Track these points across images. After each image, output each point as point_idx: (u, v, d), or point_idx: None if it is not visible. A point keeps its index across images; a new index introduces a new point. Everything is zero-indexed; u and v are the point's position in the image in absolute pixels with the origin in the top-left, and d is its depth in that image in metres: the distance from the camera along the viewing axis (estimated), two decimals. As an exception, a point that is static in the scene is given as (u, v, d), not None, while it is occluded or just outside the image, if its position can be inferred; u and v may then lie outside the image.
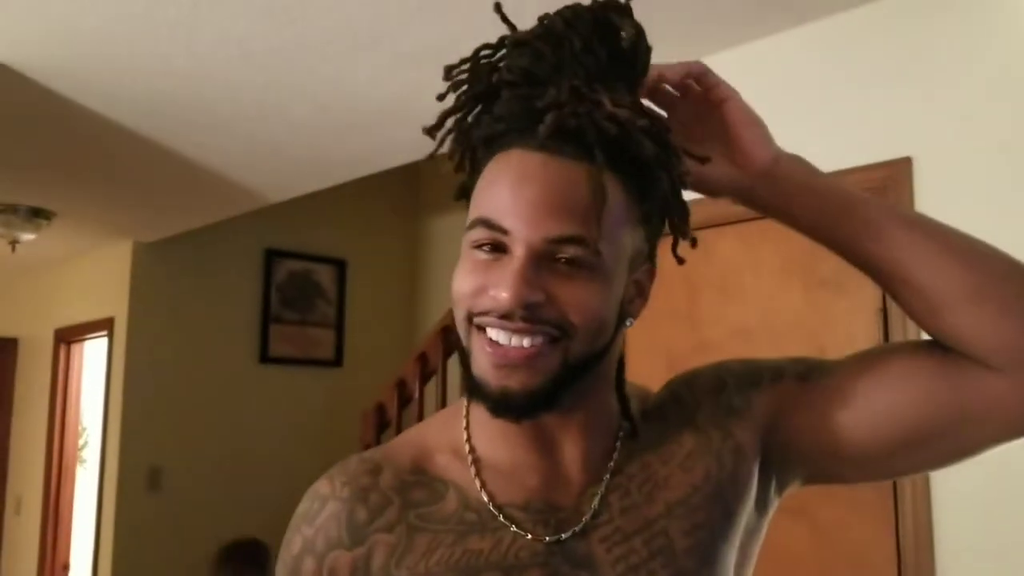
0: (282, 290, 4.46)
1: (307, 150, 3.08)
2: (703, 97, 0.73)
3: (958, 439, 0.70)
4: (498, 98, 0.68)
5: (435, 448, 0.74)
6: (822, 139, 1.99)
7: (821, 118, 2.07)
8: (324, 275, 4.61)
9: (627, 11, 0.69)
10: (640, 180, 0.67)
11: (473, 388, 0.67)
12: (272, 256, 4.42)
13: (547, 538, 0.68)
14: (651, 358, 2.24)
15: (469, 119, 0.70)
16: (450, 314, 2.58)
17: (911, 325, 1.93)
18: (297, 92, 2.61)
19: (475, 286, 0.66)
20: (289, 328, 4.47)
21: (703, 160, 0.69)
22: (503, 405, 0.65)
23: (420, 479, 0.72)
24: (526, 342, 0.64)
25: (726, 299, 2.22)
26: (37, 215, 3.82)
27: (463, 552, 0.68)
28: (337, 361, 4.61)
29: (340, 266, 4.64)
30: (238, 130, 2.92)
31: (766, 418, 0.74)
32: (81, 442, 5.19)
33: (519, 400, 0.65)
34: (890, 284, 0.71)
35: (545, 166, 0.64)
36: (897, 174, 1.94)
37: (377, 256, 4.74)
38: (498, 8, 0.71)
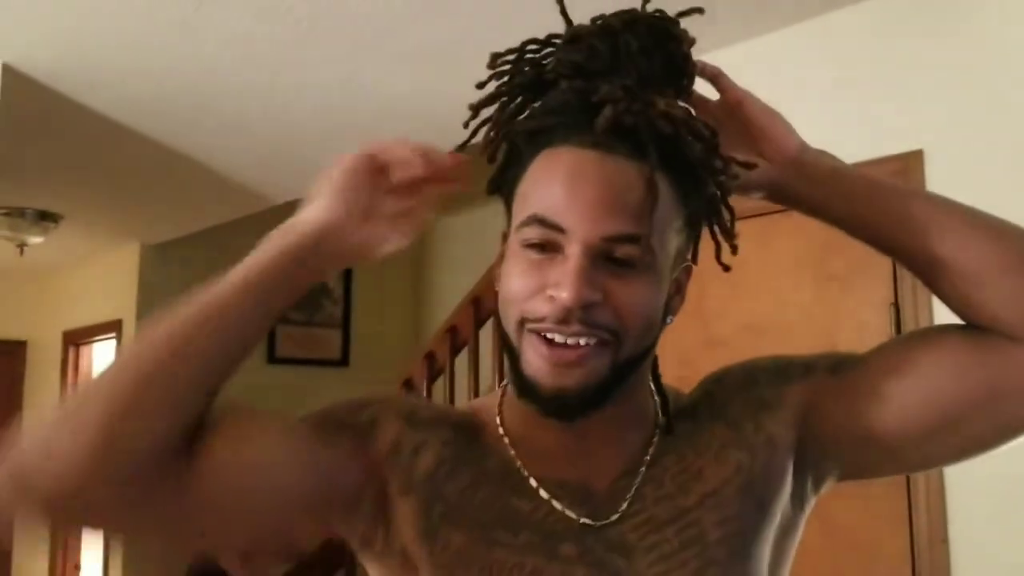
0: (289, 290, 4.46)
1: (312, 151, 3.08)
2: (720, 101, 0.73)
3: (992, 419, 0.69)
4: (545, 91, 0.68)
5: (477, 424, 0.75)
6: (834, 132, 1.97)
7: (833, 111, 2.05)
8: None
9: (678, 22, 0.69)
10: (687, 181, 0.67)
11: (524, 388, 0.67)
12: (278, 257, 4.42)
13: (582, 519, 0.68)
14: (661, 353, 2.22)
15: (511, 108, 0.70)
16: (457, 312, 2.58)
17: (923, 320, 1.92)
18: (302, 92, 2.61)
19: (530, 287, 0.65)
20: (296, 328, 4.48)
21: (750, 166, 0.69)
22: (556, 405, 0.66)
23: (467, 435, 0.73)
24: (583, 340, 0.64)
25: (736, 294, 2.21)
26: (44, 218, 3.83)
27: (505, 504, 0.69)
28: (343, 361, 4.61)
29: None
30: (244, 131, 2.92)
31: (799, 412, 0.74)
32: (90, 444, 5.20)
33: (572, 400, 0.65)
34: (919, 266, 0.71)
35: (600, 164, 0.64)
36: (909, 167, 1.92)
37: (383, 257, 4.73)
38: (560, 1, 0.71)
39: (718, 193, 0.68)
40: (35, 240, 3.90)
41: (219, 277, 0.65)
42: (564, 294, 0.62)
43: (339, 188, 0.67)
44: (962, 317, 0.70)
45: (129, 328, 4.26)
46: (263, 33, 2.22)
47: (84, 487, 0.58)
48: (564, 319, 0.63)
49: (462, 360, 3.28)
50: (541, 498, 0.69)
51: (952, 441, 0.71)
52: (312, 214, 0.68)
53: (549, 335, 0.64)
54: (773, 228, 2.06)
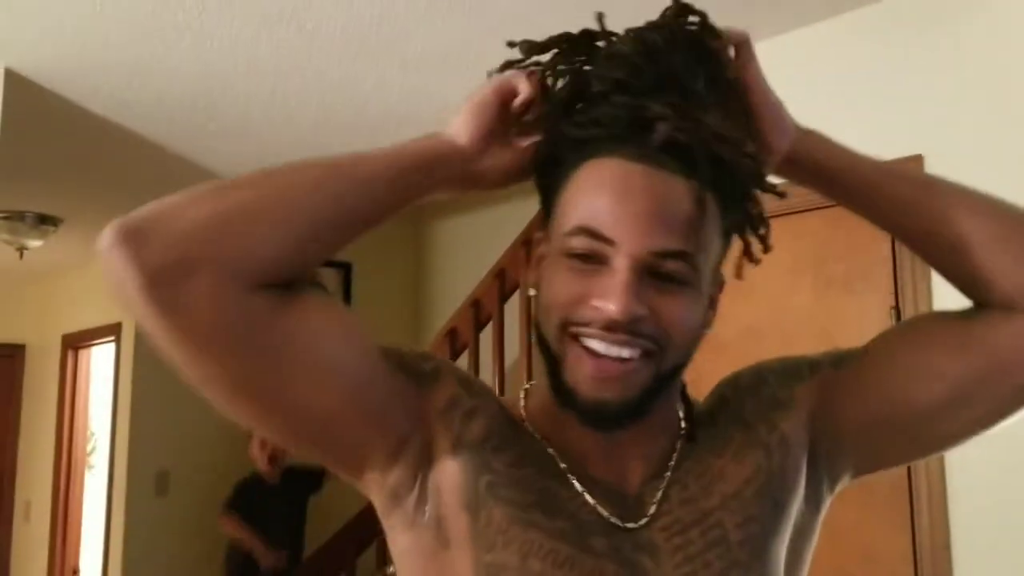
0: (288, 294, 4.47)
1: (314, 154, 3.08)
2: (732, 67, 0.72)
3: (997, 391, 0.70)
4: (586, 103, 0.69)
5: (514, 413, 0.76)
6: (833, 137, 1.99)
7: (831, 116, 2.05)
8: (329, 279, 4.61)
9: (715, 33, 0.69)
10: (728, 198, 0.68)
11: (563, 396, 0.67)
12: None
13: (612, 518, 0.69)
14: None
15: (556, 112, 0.70)
16: (457, 316, 2.57)
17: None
18: (304, 97, 2.62)
19: (574, 295, 0.65)
20: (296, 332, 4.48)
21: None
22: (596, 416, 0.66)
23: (509, 417, 0.74)
24: (625, 352, 0.64)
25: (736, 297, 2.21)
26: (44, 222, 3.83)
27: (545, 487, 0.69)
28: (344, 364, 4.61)
29: (345, 270, 4.64)
30: (246, 135, 2.93)
31: (809, 408, 0.75)
32: (89, 447, 5.19)
33: (612, 412, 0.66)
34: (917, 243, 0.73)
35: (649, 178, 0.64)
36: (907, 172, 1.93)
37: (382, 260, 4.74)
38: (600, 18, 0.72)
39: (761, 211, 0.70)
40: (35, 244, 3.90)
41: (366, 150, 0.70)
42: (612, 306, 0.62)
43: (471, 116, 0.70)
44: (959, 289, 0.72)
45: (128, 331, 4.25)
46: (266, 38, 2.22)
47: (195, 256, 0.60)
48: (610, 327, 0.63)
49: (462, 363, 3.29)
50: (576, 489, 0.69)
51: (965, 415, 0.72)
52: (448, 134, 0.71)
53: (593, 345, 0.64)
54: (774, 232, 2.06)
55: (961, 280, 0.72)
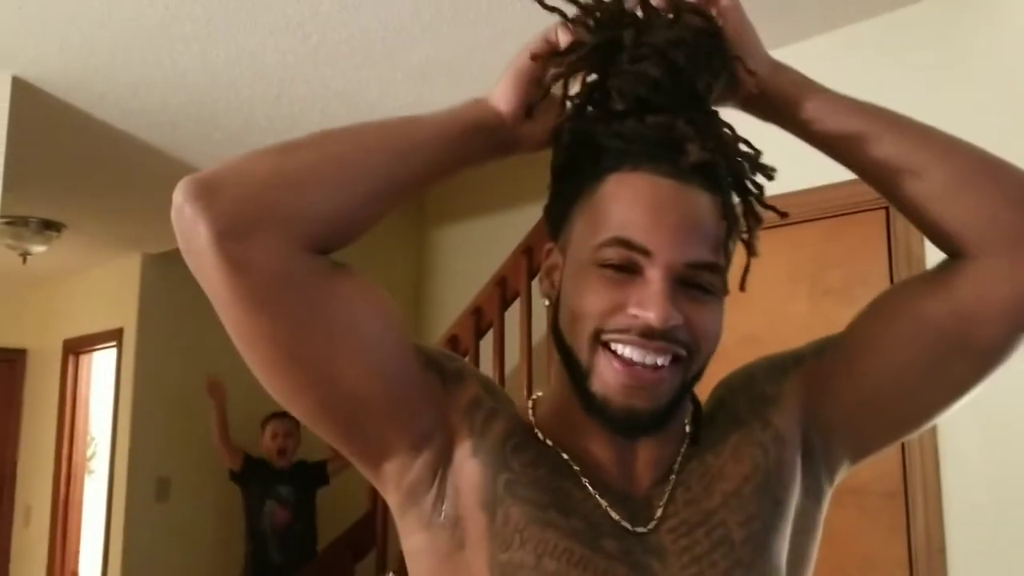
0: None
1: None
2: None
3: (972, 345, 0.70)
4: (607, 115, 0.71)
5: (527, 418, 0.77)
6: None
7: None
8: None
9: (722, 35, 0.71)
10: (743, 207, 0.72)
11: (592, 405, 0.69)
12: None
13: (623, 522, 0.70)
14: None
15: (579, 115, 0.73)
16: (458, 323, 2.58)
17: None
18: (308, 105, 2.64)
19: (609, 304, 0.67)
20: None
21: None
22: (627, 424, 0.68)
23: (524, 421, 0.75)
24: (660, 359, 0.66)
25: (733, 306, 2.23)
26: (48, 227, 3.85)
27: (560, 486, 0.70)
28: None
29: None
30: (250, 144, 2.93)
31: (798, 401, 0.76)
32: (90, 452, 5.20)
33: (643, 420, 0.68)
34: (883, 183, 0.73)
35: (680, 193, 0.67)
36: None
37: (383, 267, 4.76)
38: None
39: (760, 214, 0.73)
40: (38, 249, 3.92)
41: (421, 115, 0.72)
42: (651, 314, 0.64)
43: (512, 84, 0.72)
44: (922, 231, 0.73)
45: (130, 337, 4.27)
46: (272, 48, 2.25)
47: (262, 213, 0.63)
48: (647, 334, 0.65)
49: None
50: (588, 491, 0.71)
51: (945, 377, 0.72)
52: (491, 101, 0.72)
53: (627, 353, 0.66)
54: (769, 242, 2.08)
55: (927, 231, 0.72)
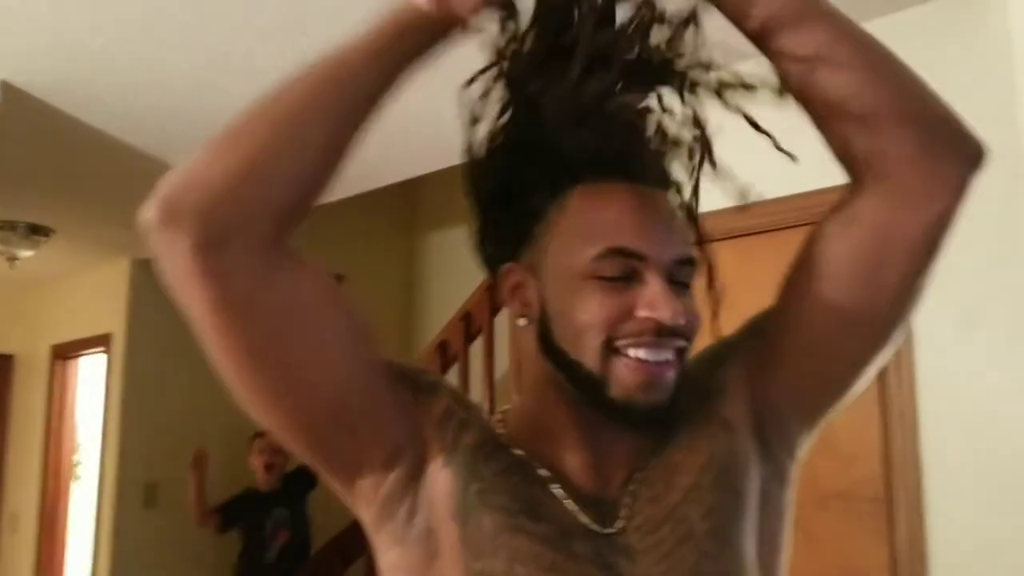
0: (279, 306, 4.47)
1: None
2: None
3: (886, 283, 0.70)
4: (540, 134, 0.72)
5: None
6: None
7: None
8: (321, 290, 4.61)
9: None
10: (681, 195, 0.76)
11: (613, 411, 0.70)
12: (269, 272, 4.43)
13: (592, 525, 0.71)
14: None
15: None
16: (447, 328, 2.58)
17: (906, 340, 1.96)
18: (297, 109, 2.64)
19: (616, 312, 0.68)
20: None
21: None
22: (650, 419, 0.70)
23: (494, 431, 0.76)
24: (669, 355, 0.69)
25: (722, 311, 2.24)
26: (35, 232, 3.83)
27: (530, 493, 0.71)
28: (334, 376, 4.60)
29: (338, 281, 4.65)
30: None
31: (741, 388, 0.77)
32: (77, 458, 5.17)
33: (662, 412, 0.70)
34: (812, 102, 0.71)
35: (647, 195, 0.71)
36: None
37: (374, 271, 4.76)
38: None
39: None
40: (25, 254, 3.90)
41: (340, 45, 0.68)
42: (664, 313, 0.67)
43: None
44: (841, 159, 0.72)
45: (119, 342, 4.25)
46: (260, 50, 2.25)
47: (227, 222, 0.61)
48: (661, 333, 0.67)
49: (452, 376, 3.30)
50: (558, 497, 0.71)
51: (883, 297, 0.71)
52: None
53: (642, 355, 0.68)
54: (756, 247, 2.10)
55: (841, 148, 0.71)
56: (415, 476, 0.71)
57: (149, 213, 0.63)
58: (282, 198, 0.64)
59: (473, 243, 0.80)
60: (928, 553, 1.86)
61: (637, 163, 0.71)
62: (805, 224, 2.06)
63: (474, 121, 0.75)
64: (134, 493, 4.10)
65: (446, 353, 3.37)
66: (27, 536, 4.89)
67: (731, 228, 2.13)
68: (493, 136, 0.76)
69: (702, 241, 0.76)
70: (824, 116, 0.71)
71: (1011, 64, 1.82)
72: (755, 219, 1.95)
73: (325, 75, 0.68)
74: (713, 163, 0.74)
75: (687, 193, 0.76)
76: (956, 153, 0.70)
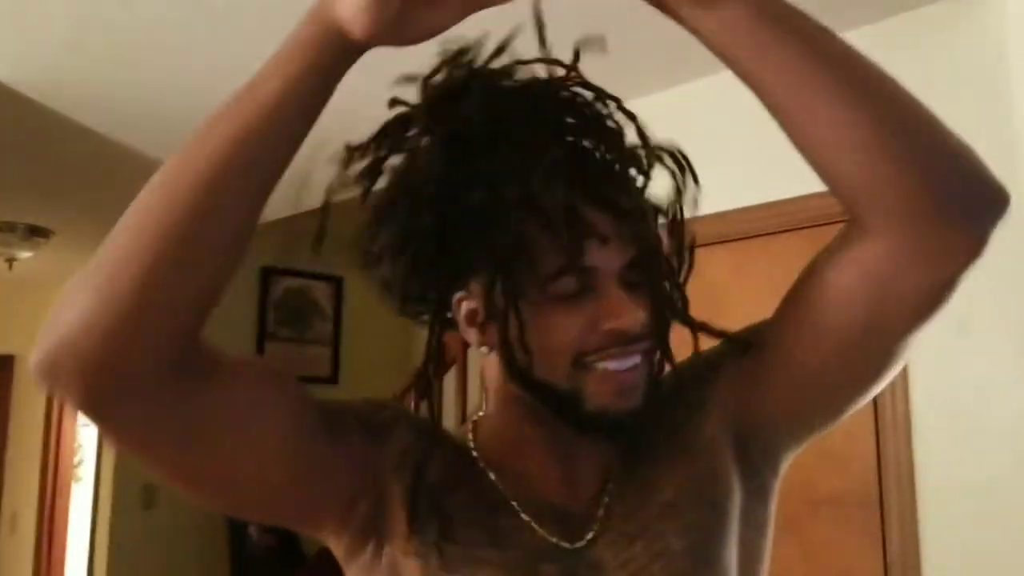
0: (278, 308, 4.48)
1: (306, 165, 3.11)
2: None
3: (890, 301, 0.65)
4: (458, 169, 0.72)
5: (466, 447, 0.77)
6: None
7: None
8: (320, 292, 4.62)
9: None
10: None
11: (589, 423, 0.69)
12: (268, 275, 4.44)
13: (562, 542, 0.70)
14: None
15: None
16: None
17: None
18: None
19: (580, 328, 0.68)
20: (285, 345, 4.48)
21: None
22: (624, 425, 0.69)
23: (462, 455, 0.75)
24: (636, 359, 0.69)
25: (714, 318, 2.24)
26: (35, 233, 3.84)
27: (494, 524, 0.70)
28: (333, 378, 4.61)
29: (337, 283, 4.65)
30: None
31: (723, 402, 0.75)
32: (77, 460, 5.18)
33: (635, 417, 0.69)
34: (789, 123, 0.64)
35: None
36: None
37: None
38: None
39: None
40: (24, 255, 3.91)
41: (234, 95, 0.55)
42: (626, 321, 0.67)
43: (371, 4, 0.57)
44: (837, 197, 0.64)
45: (118, 344, 4.26)
46: (256, 53, 2.25)
47: (105, 375, 0.54)
48: (628, 341, 0.67)
49: (450, 378, 3.30)
50: (523, 520, 0.71)
51: (879, 343, 0.68)
52: (332, 16, 0.59)
53: (611, 366, 0.67)
54: (750, 253, 2.09)
55: (824, 173, 0.63)
56: (375, 520, 0.70)
57: (31, 368, 0.56)
58: (183, 323, 0.56)
59: (393, 284, 0.78)
60: (921, 558, 1.86)
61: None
62: (799, 228, 2.06)
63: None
64: (133, 494, 4.10)
65: (446, 354, 3.37)
66: (26, 536, 4.89)
67: (724, 233, 2.13)
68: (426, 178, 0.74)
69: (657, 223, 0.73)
70: (815, 162, 0.63)
71: (1007, 68, 1.82)
72: (749, 223, 1.95)
73: (238, 124, 0.56)
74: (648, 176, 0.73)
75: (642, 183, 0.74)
76: (979, 204, 0.59)
